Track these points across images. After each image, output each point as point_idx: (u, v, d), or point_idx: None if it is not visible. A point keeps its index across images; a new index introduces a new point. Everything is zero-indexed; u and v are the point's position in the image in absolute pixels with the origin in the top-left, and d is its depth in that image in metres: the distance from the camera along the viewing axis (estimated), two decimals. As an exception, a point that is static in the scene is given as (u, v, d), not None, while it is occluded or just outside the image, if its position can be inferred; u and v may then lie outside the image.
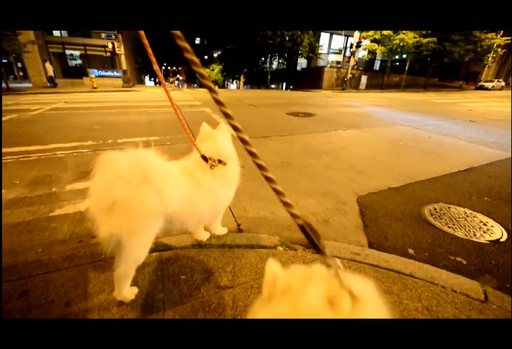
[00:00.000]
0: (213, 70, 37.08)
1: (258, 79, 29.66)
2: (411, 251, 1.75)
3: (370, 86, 23.03)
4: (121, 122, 5.41)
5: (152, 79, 58.89)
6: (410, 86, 24.59)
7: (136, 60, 34.00)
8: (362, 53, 23.05)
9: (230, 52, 30.42)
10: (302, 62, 27.15)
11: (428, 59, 21.56)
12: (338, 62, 25.35)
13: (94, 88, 14.52)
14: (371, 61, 25.80)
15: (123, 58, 16.15)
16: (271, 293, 0.43)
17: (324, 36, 25.70)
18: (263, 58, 27.40)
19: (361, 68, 25.02)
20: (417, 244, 1.81)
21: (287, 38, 22.20)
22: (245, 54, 26.27)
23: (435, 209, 2.25)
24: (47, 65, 14.54)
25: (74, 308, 1.16)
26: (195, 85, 49.41)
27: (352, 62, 19.78)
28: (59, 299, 1.20)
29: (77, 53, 21.50)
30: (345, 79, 20.48)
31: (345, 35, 24.70)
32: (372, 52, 21.54)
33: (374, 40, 20.53)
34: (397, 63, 28.43)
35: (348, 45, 23.06)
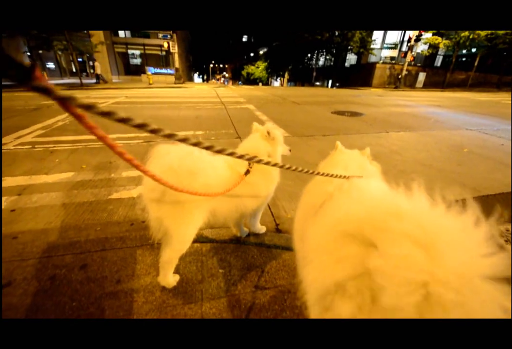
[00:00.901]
0: (258, 67, 37.38)
1: (302, 76, 28.99)
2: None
3: (428, 84, 20.75)
4: (172, 116, 5.78)
5: (201, 76, 61.78)
6: (479, 84, 21.48)
7: (187, 59, 36.04)
8: (421, 48, 20.83)
9: (276, 49, 30.26)
10: (351, 58, 25.65)
11: (505, 53, 18.52)
12: (392, 58, 23.33)
13: (150, 84, 15.79)
14: (431, 56, 23.15)
15: (176, 57, 17.24)
16: None
17: (378, 30, 23.84)
18: (309, 55, 26.65)
19: (419, 64, 22.66)
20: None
21: (336, 33, 21.17)
22: (291, 51, 25.85)
23: (507, 230, 1.91)
24: (96, 63, 16.12)
25: (123, 286, 1.27)
26: (240, 82, 50.44)
27: (409, 57, 18.01)
28: (111, 276, 1.33)
29: (137, 52, 23.64)
30: (399, 76, 18.77)
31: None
32: (434, 46, 19.31)
33: (437, 33, 18.36)
34: (464, 59, 25.02)
35: (406, 38, 21.05)
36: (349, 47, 22.18)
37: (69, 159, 3.00)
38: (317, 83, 28.18)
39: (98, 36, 16.44)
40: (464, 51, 21.23)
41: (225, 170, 1.17)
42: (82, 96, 9.52)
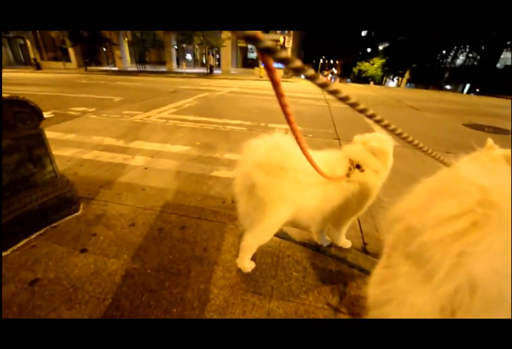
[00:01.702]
0: (373, 64, 33.72)
1: (428, 78, 24.29)
2: None
3: None
4: (274, 109, 6.00)
5: (308, 71, 61.38)
6: None
7: (299, 54, 36.36)
8: None
9: (400, 44, 26.28)
10: (507, 58, 19.46)
11: None
12: None
13: (260, 77, 16.88)
14: None
15: (289, 51, 17.63)
16: None
17: None
18: (443, 51, 21.87)
19: None
20: None
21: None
22: (419, 47, 21.84)
23: None
24: (209, 56, 17.80)
25: (208, 255, 1.41)
26: (348, 80, 47.23)
27: None
28: (201, 243, 1.50)
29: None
30: None
31: None
32: None
33: None
34: None
35: None
36: (507, 43, 16.80)
37: (189, 135, 3.59)
38: (448, 87, 23.07)
39: (226, 32, 18.63)
40: None
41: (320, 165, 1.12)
42: (205, 84, 11.16)
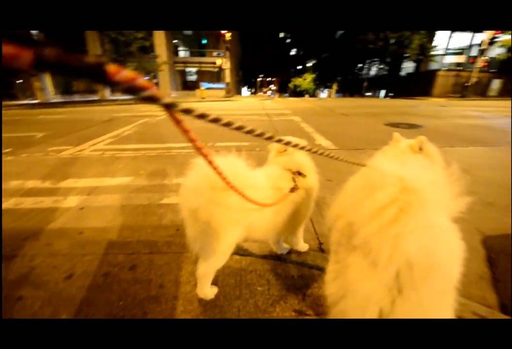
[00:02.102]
0: (305, 79, 37.52)
1: (352, 87, 27.99)
2: None
3: (505, 93, 17.93)
4: (218, 127, 6.09)
5: (249, 89, 64.85)
6: None
7: (237, 73, 38.23)
8: (497, 51, 18.25)
9: (325, 61, 30.07)
10: (407, 67, 23.83)
11: None
12: (458, 64, 20.85)
13: (202, 98, 17.10)
14: (509, 61, 20.08)
15: (227, 72, 18.42)
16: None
17: (441, 35, 21.74)
18: (360, 65, 25.71)
19: (492, 70, 19.83)
20: None
21: (391, 41, 20.02)
22: (341, 62, 25.35)
23: None
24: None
25: (165, 291, 1.30)
26: (286, 94, 51.16)
27: (480, 63, 15.94)
28: (155, 280, 1.38)
29: (194, 69, 26.00)
30: (467, 84, 16.66)
31: (471, 31, 20.16)
32: (514, 49, 16.76)
33: (518, 34, 15.92)
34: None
35: (475, 42, 18.72)
36: (405, 55, 20.71)
37: (130, 165, 3.36)
38: (368, 94, 26.82)
39: (162, 57, 18.64)
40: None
41: (266, 187, 1.13)
42: (145, 109, 10.79)
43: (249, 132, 0.55)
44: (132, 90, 0.36)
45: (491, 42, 15.58)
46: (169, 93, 20.55)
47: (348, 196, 0.75)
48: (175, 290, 1.30)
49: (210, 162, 0.62)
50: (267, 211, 1.10)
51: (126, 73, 0.34)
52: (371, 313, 0.61)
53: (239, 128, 0.52)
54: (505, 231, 1.88)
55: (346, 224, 0.69)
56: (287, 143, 0.65)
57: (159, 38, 19.14)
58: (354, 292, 0.64)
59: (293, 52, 63.51)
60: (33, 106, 13.55)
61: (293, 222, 1.28)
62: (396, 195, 0.58)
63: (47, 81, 19.98)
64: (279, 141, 0.63)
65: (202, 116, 0.47)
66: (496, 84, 18.06)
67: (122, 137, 5.04)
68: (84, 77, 0.32)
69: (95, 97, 19.70)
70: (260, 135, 0.56)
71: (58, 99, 19.20)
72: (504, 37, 16.58)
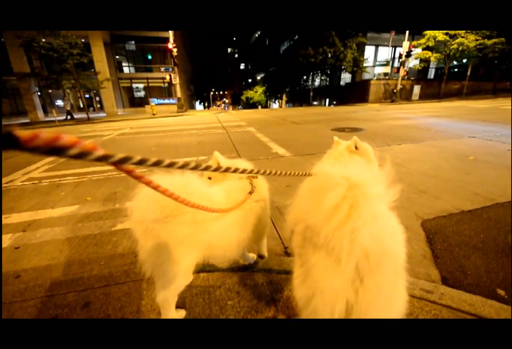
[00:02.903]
0: (256, 91, 39.03)
1: (300, 97, 30.04)
2: (501, 292, 1.40)
3: (424, 96, 21.18)
4: (174, 143, 5.93)
5: (202, 103, 64.75)
6: (475, 93, 21.83)
7: (189, 88, 37.98)
8: (413, 63, 21.63)
9: (273, 74, 31.84)
10: (346, 77, 26.73)
11: (496, 61, 19.04)
12: (386, 74, 24.14)
13: (154, 114, 16.48)
14: (424, 70, 23.95)
15: (178, 87, 18.17)
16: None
17: (369, 49, 25.04)
18: (305, 77, 27.86)
19: (412, 78, 23.39)
20: (509, 284, 1.44)
21: (329, 55, 22.27)
22: (287, 74, 27.14)
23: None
24: (65, 101, 16.58)
25: (127, 325, 1.19)
26: (240, 106, 52.38)
27: (401, 72, 18.65)
28: (115, 314, 1.25)
29: (141, 85, 25.06)
30: (395, 91, 19.29)
31: (392, 46, 23.66)
32: (425, 61, 20.03)
33: (427, 48, 19.16)
34: (456, 69, 25.77)
35: (397, 55, 21.98)
36: (342, 67, 23.18)
37: (74, 192, 3.04)
38: (315, 103, 29.07)
39: (104, 73, 17.59)
40: (455, 62, 21.87)
41: (225, 203, 1.06)
42: (88, 130, 9.95)
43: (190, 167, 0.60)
44: (58, 150, 0.35)
45: (408, 55, 18.42)
46: (115, 111, 19.34)
47: (303, 201, 0.79)
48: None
49: (155, 187, 0.62)
50: (229, 227, 1.06)
51: (44, 136, 0.32)
52: (340, 307, 0.65)
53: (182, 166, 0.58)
54: (438, 214, 2.19)
55: (306, 227, 0.74)
56: (226, 170, 0.69)
57: (99, 54, 18.09)
58: (322, 290, 0.67)
59: (242, 66, 65.98)
60: None
61: (258, 232, 1.25)
62: (345, 193, 0.64)
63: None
64: (217, 169, 0.68)
65: (123, 161, 0.47)
66: (416, 89, 21.25)
67: (62, 162, 4.55)
68: None
69: (25, 120, 17.53)
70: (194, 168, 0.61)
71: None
72: (417, 51, 19.78)
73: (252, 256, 1.57)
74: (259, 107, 38.07)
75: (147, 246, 0.94)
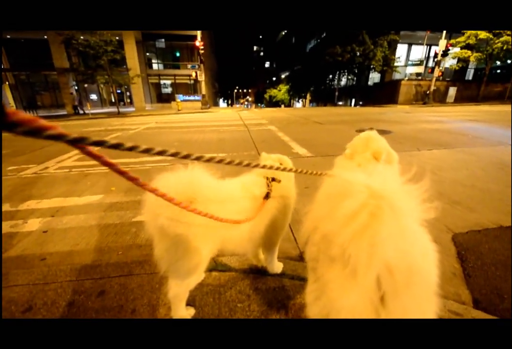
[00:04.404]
0: (279, 90, 38.72)
1: (324, 97, 29.32)
2: (546, 322, 1.23)
3: (460, 99, 19.73)
4: (196, 139, 6.03)
5: (226, 101, 65.60)
6: (520, 96, 19.96)
7: (213, 85, 38.61)
8: (450, 62, 20.20)
9: (297, 72, 31.36)
10: (374, 77, 25.60)
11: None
12: (418, 74, 22.74)
13: (179, 110, 16.95)
14: (461, 70, 22.24)
15: (203, 84, 18.52)
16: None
17: (401, 47, 23.72)
18: (330, 76, 27.13)
19: (448, 79, 21.85)
20: (558, 314, 1.27)
21: (358, 54, 21.45)
22: (312, 73, 26.58)
23: None
24: (73, 96, 17.36)
25: (137, 317, 1.20)
26: (262, 105, 52.32)
27: (436, 72, 17.48)
28: (127, 305, 1.27)
29: (168, 82, 25.87)
30: (428, 92, 18.15)
31: (427, 44, 22.20)
32: (463, 60, 18.61)
33: (466, 46, 17.79)
34: (499, 71, 23.69)
35: (431, 54, 20.66)
36: (371, 66, 22.23)
37: (100, 182, 3.18)
38: (340, 103, 28.22)
39: (135, 70, 18.36)
40: (498, 63, 20.08)
41: (240, 198, 1.06)
42: (117, 123, 10.45)
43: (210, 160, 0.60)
44: (35, 130, 0.37)
45: (444, 54, 17.23)
46: (143, 106, 20.14)
47: (320, 207, 0.73)
48: (149, 315, 1.21)
49: (152, 190, 0.64)
50: (244, 224, 1.03)
51: (24, 115, 0.36)
52: None
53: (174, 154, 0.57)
54: (472, 227, 2.00)
55: (321, 237, 0.68)
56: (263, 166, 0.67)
57: (131, 51, 18.90)
58: (339, 311, 0.61)
59: (267, 64, 65.79)
60: (-8, 122, 12.58)
61: (271, 234, 1.22)
62: (365, 200, 0.58)
63: (8, 95, 18.80)
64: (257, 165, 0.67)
65: (115, 146, 0.48)
66: (452, 91, 19.84)
67: (93, 153, 4.80)
68: None
69: (62, 112, 18.82)
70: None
71: (21, 114, 18.06)
72: (455, 50, 18.44)
73: (278, 266, 1.46)
74: (282, 106, 37.73)
75: (163, 243, 0.94)
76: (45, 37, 18.10)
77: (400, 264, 0.55)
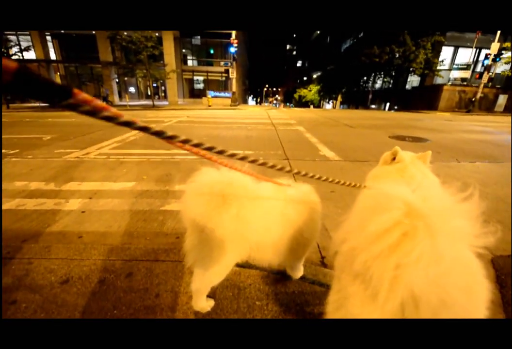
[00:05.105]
0: (310, 90, 38.02)
1: (357, 99, 28.26)
2: None
3: (511, 108, 17.92)
4: (224, 135, 6.14)
5: (255, 99, 65.86)
6: None
7: (244, 83, 38.95)
8: (501, 68, 18.38)
9: (330, 73, 30.52)
10: (413, 80, 24.08)
11: None
12: (463, 79, 20.95)
13: (209, 106, 17.36)
14: (513, 77, 20.17)
15: (234, 82, 18.77)
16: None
17: (447, 50, 21.98)
18: (365, 78, 26.05)
19: (498, 86, 19.90)
20: None
21: (397, 55, 20.29)
22: (346, 74, 25.71)
23: None
24: (102, 89, 18.57)
25: (161, 301, 1.26)
26: (290, 104, 51.74)
27: (485, 78, 16.02)
28: (151, 289, 1.34)
29: (201, 78, 26.60)
30: (473, 99, 16.71)
31: (476, 47, 20.32)
32: (519, 66, 16.85)
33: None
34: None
35: (481, 58, 18.93)
36: (411, 69, 20.93)
37: (134, 169, 3.37)
38: (373, 106, 27.01)
39: (171, 65, 19.11)
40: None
41: (275, 203, 1.01)
42: (151, 115, 10.97)
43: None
44: (94, 111, 0.41)
45: (496, 58, 15.72)
46: (176, 100, 20.92)
47: (353, 219, 0.70)
48: (171, 301, 1.26)
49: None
50: (274, 224, 0.99)
51: (85, 95, 0.39)
52: None
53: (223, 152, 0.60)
54: (515, 250, 1.82)
55: (349, 248, 0.65)
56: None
57: (169, 47, 19.69)
58: None
59: (299, 63, 64.84)
60: (43, 109, 13.87)
61: (299, 245, 1.11)
62: (399, 219, 0.53)
63: (59, 85, 20.54)
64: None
65: (157, 134, 0.53)
66: (502, 99, 18.08)
67: (128, 142, 5.10)
68: (53, 97, 0.36)
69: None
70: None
71: (68, 103, 19.69)
72: (508, 54, 16.74)
73: (300, 270, 1.40)
74: (311, 106, 37.04)
75: (193, 237, 0.96)
76: (93, 32, 19.49)
77: (428, 296, 0.49)
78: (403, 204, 0.54)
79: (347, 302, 0.61)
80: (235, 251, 0.99)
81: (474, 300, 0.53)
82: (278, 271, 1.49)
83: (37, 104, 16.78)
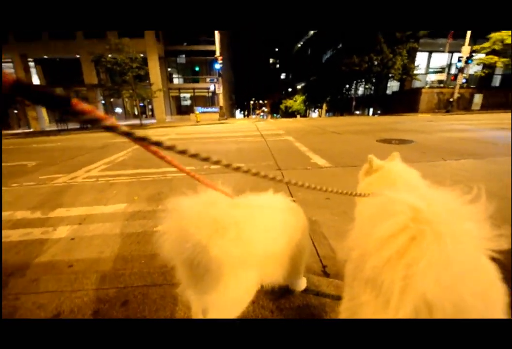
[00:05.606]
0: (295, 100, 39.09)
1: (341, 106, 29.15)
2: None
3: (487, 106, 18.81)
4: (215, 150, 6.15)
5: (242, 112, 67.11)
6: (554, 102, 18.69)
7: (230, 97, 39.74)
8: (474, 69, 19.48)
9: (313, 83, 31.62)
10: (393, 85, 25.17)
11: None
12: (440, 81, 22.05)
13: (197, 122, 17.51)
14: (487, 77, 21.34)
15: (221, 97, 19.11)
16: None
17: (421, 56, 23.27)
18: (347, 85, 27.05)
19: (473, 86, 21.01)
20: None
21: (375, 63, 21.29)
22: (328, 83, 26.69)
23: None
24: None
25: (160, 329, 1.20)
26: (278, 115, 52.84)
27: (460, 79, 16.90)
28: (150, 316, 1.27)
29: (188, 95, 27.02)
30: (451, 100, 17.51)
31: (449, 52, 21.60)
32: (489, 66, 17.89)
33: (491, 52, 17.13)
34: (529, 76, 22.47)
35: (454, 61, 20.07)
36: (390, 75, 21.93)
37: (124, 191, 3.30)
38: (357, 112, 27.86)
39: (157, 84, 19.38)
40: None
41: (276, 218, 0.96)
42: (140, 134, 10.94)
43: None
44: (92, 120, 0.43)
45: (468, 60, 16.68)
46: (164, 118, 21.05)
47: (360, 227, 0.70)
48: (171, 328, 1.20)
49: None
50: (279, 240, 0.93)
51: (85, 106, 0.40)
52: None
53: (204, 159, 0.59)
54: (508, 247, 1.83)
55: (359, 254, 0.64)
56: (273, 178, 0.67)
57: (154, 67, 20.05)
58: None
59: (283, 76, 67.04)
60: (27, 135, 13.67)
61: (301, 253, 1.10)
62: (406, 223, 0.53)
63: (43, 110, 20.38)
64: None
65: (157, 144, 0.53)
66: (478, 98, 18.99)
67: (116, 163, 5.03)
68: (52, 105, 0.37)
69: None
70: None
71: (52, 127, 19.53)
72: (479, 56, 17.82)
73: (303, 282, 1.38)
74: (298, 116, 37.91)
75: (186, 272, 0.84)
76: (78, 56, 19.71)
77: (441, 301, 0.48)
78: (409, 209, 0.54)
79: (360, 310, 0.59)
80: (247, 276, 0.88)
81: (490, 305, 0.51)
82: (280, 286, 1.44)
83: (19, 131, 16.52)
